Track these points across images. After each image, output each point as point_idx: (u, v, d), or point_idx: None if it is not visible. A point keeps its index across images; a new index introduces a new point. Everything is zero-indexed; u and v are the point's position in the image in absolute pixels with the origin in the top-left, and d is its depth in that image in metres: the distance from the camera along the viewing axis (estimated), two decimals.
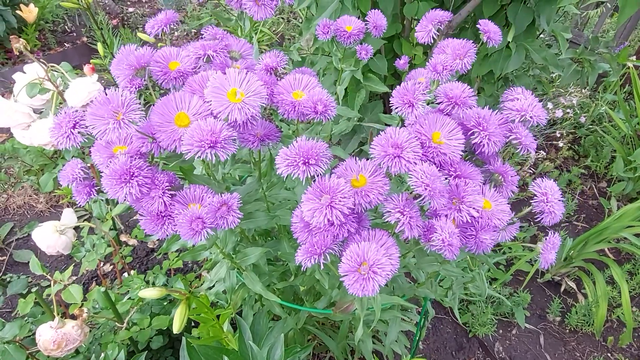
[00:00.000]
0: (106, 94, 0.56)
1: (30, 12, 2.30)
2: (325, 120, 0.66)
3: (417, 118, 0.64)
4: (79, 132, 0.61)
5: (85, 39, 2.53)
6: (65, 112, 0.62)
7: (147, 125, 0.61)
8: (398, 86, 0.64)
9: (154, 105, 0.59)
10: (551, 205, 0.61)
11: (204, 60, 0.68)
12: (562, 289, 1.71)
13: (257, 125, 0.73)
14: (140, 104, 0.55)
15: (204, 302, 0.91)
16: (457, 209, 0.59)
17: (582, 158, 2.20)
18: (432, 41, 0.85)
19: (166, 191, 0.61)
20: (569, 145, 2.20)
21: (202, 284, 1.12)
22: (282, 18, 2.58)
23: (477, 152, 0.67)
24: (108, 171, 0.59)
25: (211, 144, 0.53)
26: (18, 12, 2.17)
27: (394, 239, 0.61)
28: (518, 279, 1.71)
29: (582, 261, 1.67)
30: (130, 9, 2.80)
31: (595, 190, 2.09)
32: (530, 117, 0.65)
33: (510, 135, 0.66)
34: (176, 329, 0.80)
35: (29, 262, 1.76)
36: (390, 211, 0.58)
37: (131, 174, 0.59)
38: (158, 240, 1.75)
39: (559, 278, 1.72)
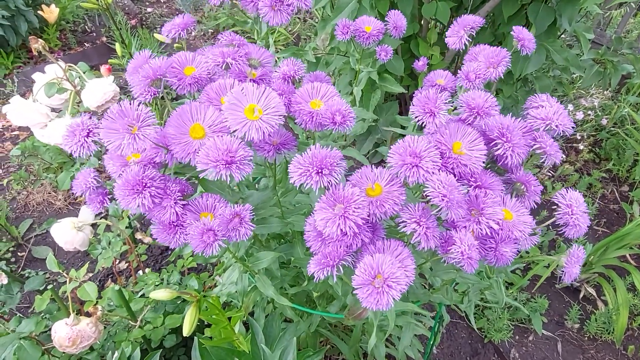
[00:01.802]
0: (121, 107, 0.54)
1: (51, 13, 2.32)
2: (343, 131, 0.64)
3: (439, 127, 0.61)
4: (92, 141, 0.60)
5: (104, 39, 2.55)
6: (80, 120, 0.61)
7: (161, 135, 0.60)
8: (419, 93, 0.62)
9: (169, 116, 0.58)
10: (576, 218, 0.58)
11: (223, 67, 0.66)
12: (581, 295, 1.66)
13: (274, 133, 0.71)
14: (154, 116, 0.53)
15: (215, 304, 0.89)
16: (476, 220, 0.57)
17: (603, 161, 2.14)
18: (464, 48, 0.81)
19: (178, 201, 0.60)
20: (590, 148, 2.14)
21: (215, 286, 1.11)
22: (298, 18, 2.56)
23: (499, 163, 0.64)
24: (120, 181, 0.58)
25: (227, 164, 0.51)
26: (40, 12, 2.20)
27: (410, 249, 0.58)
28: (535, 283, 1.67)
29: (603, 267, 1.62)
30: (149, 9, 2.81)
31: (616, 194, 2.03)
32: (556, 126, 0.62)
33: (535, 145, 0.63)
34: (186, 331, 0.79)
35: (45, 258, 1.78)
36: (406, 221, 0.56)
37: (144, 184, 0.58)
38: None
39: (578, 284, 1.67)
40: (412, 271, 0.56)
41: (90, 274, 1.67)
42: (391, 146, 0.57)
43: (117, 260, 1.68)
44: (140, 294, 1.19)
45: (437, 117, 0.58)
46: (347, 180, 0.57)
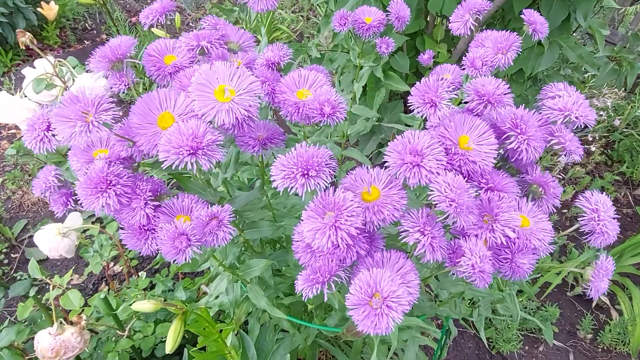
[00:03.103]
0: (76, 92, 0.47)
1: (50, 10, 2.27)
2: (333, 124, 0.56)
3: (441, 120, 0.53)
4: (53, 135, 0.53)
5: (105, 36, 2.49)
6: (40, 112, 0.54)
7: (128, 127, 0.53)
8: (418, 82, 0.54)
9: (133, 104, 0.50)
10: (603, 225, 0.50)
11: (198, 52, 0.59)
12: (594, 303, 1.56)
13: (259, 126, 0.63)
14: (113, 102, 0.46)
15: (204, 316, 0.82)
16: (489, 228, 0.49)
17: (615, 164, 2.04)
18: (469, 33, 0.74)
19: (149, 202, 0.53)
20: (602, 149, 2.04)
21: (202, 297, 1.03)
22: (302, 16, 2.49)
23: (512, 160, 0.56)
24: (82, 179, 0.51)
25: (191, 151, 0.44)
26: (39, 9, 2.14)
27: (413, 261, 0.50)
28: (545, 291, 1.58)
29: (617, 275, 1.52)
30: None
31: (630, 198, 1.93)
32: (576, 117, 0.54)
33: (552, 140, 0.54)
34: (169, 348, 0.72)
35: (40, 260, 1.71)
36: (408, 230, 0.48)
37: (108, 182, 0.50)
38: None
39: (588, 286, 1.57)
40: (416, 287, 0.48)
41: (84, 278, 1.61)
42: (389, 143, 0.49)
43: (112, 264, 1.61)
44: (124, 305, 1.11)
45: (439, 107, 0.50)
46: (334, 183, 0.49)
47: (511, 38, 0.67)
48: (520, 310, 0.79)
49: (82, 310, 1.07)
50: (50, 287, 1.02)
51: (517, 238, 0.49)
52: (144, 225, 0.53)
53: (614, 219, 0.51)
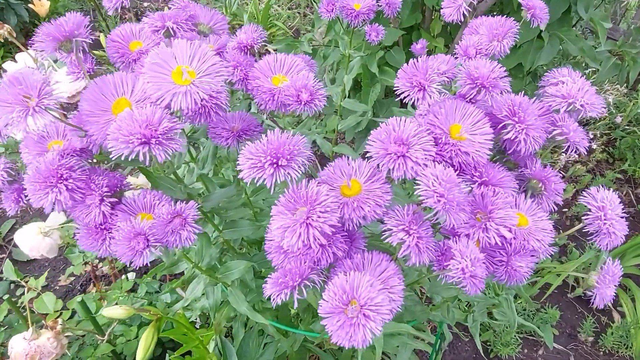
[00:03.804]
0: (18, 74, 0.41)
1: (42, 6, 2.21)
2: (311, 112, 0.51)
3: (431, 106, 0.48)
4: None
5: (98, 33, 2.44)
6: None
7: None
8: (405, 64, 0.48)
9: (84, 89, 0.45)
10: (610, 224, 0.44)
11: (164, 34, 0.53)
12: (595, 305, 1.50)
13: (234, 117, 0.58)
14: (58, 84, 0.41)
15: (182, 321, 0.76)
16: (482, 227, 0.43)
17: (617, 161, 1.98)
18: (462, 18, 0.68)
19: (105, 198, 0.47)
20: (603, 147, 1.98)
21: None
22: (298, 12, 2.43)
23: (509, 152, 0.50)
24: (31, 172, 0.45)
25: (143, 140, 0.38)
26: (30, 5, 2.09)
27: (398, 264, 0.45)
28: (545, 292, 1.52)
29: None
30: (145, 4, 2.71)
31: (632, 196, 1.87)
32: (581, 105, 0.48)
33: (554, 130, 0.49)
34: (139, 358, 0.66)
35: (28, 260, 1.66)
36: (391, 229, 0.42)
37: (59, 176, 0.45)
38: None
39: (592, 294, 1.51)
40: (400, 293, 0.42)
41: (72, 279, 1.55)
42: (372, 131, 0.43)
43: (100, 264, 1.55)
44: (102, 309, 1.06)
45: (429, 92, 0.44)
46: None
47: (507, 23, 0.61)
48: (519, 311, 0.73)
49: (60, 313, 1.02)
50: (26, 289, 0.96)
51: (514, 238, 0.43)
52: (100, 224, 0.48)
53: (621, 217, 0.45)
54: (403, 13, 1.49)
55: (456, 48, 0.63)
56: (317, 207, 0.38)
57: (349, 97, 1.81)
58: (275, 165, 0.39)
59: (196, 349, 0.84)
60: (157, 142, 0.39)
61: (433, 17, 1.56)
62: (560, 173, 1.88)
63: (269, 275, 0.42)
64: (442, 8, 0.69)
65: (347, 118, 1.05)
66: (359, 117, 1.14)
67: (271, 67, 0.53)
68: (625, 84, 1.92)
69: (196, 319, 1.08)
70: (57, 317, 1.02)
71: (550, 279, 1.41)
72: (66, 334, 1.00)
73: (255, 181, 0.39)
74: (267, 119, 0.70)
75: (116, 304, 1.09)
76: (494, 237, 0.42)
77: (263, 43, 0.59)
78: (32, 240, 1.06)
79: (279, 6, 2.43)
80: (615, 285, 0.46)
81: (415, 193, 0.40)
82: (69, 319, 1.09)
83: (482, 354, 1.35)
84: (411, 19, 1.52)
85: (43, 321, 0.86)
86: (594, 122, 1.99)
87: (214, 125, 0.56)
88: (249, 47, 0.56)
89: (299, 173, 0.39)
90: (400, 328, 0.70)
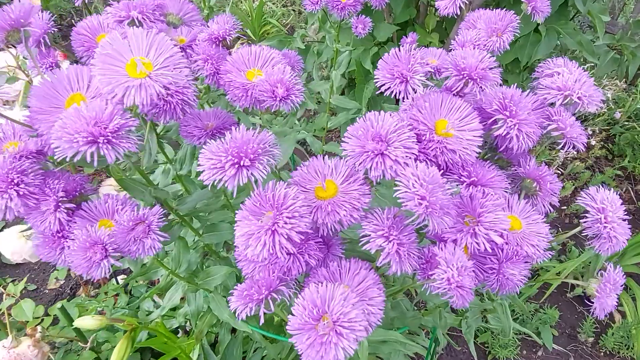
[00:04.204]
0: None
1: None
2: (288, 109, 0.47)
3: (415, 100, 0.44)
4: None
5: None
6: None
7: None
8: (386, 54, 0.44)
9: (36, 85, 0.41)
10: (611, 228, 0.40)
11: (128, 25, 0.49)
12: None
13: (208, 114, 0.54)
14: None
15: (161, 330, 0.72)
16: (471, 231, 0.39)
17: (616, 158, 1.94)
18: (459, 12, 0.64)
19: (61, 203, 0.43)
20: (602, 143, 1.94)
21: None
22: (293, 10, 2.39)
23: (500, 149, 0.46)
24: None
25: (90, 139, 0.34)
26: None
27: (378, 273, 0.41)
28: (544, 292, 1.47)
29: None
30: None
31: (632, 193, 1.82)
32: (579, 98, 0.44)
33: (549, 125, 0.44)
34: None
35: (16, 264, 1.62)
36: (369, 235, 0.38)
37: (10, 180, 0.41)
38: None
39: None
40: (380, 305, 0.38)
41: (62, 282, 1.51)
42: (348, 127, 0.39)
43: None
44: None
45: (411, 83, 0.40)
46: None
47: (507, 17, 0.57)
48: (517, 312, 0.69)
49: (42, 320, 0.98)
50: (4, 295, 0.93)
51: (506, 244, 0.39)
52: (57, 232, 0.44)
53: (623, 220, 0.41)
54: (396, 8, 1.45)
55: (452, 44, 0.59)
56: (284, 211, 0.34)
57: (343, 94, 1.77)
58: (237, 166, 0.34)
59: (179, 358, 0.80)
60: (106, 141, 0.35)
61: (428, 12, 1.52)
62: (558, 170, 1.84)
63: (235, 287, 0.38)
64: (436, 1, 0.65)
65: (338, 115, 1.01)
66: (351, 114, 1.10)
67: (245, 60, 0.49)
68: (624, 79, 1.88)
69: (185, 324, 1.04)
70: (38, 324, 0.98)
71: (549, 277, 1.37)
72: (54, 340, 0.96)
73: (216, 184, 0.35)
74: (260, 118, 0.66)
75: (101, 311, 1.05)
76: (483, 243, 0.38)
77: (240, 36, 0.55)
78: (14, 245, 1.03)
79: (273, 4, 2.39)
80: (616, 294, 0.42)
81: (394, 195, 0.36)
82: (52, 324, 1.05)
83: (480, 355, 1.31)
84: (405, 14, 1.48)
85: (9, 333, 0.82)
86: (593, 118, 1.94)
87: (186, 123, 0.52)
88: (221, 39, 0.52)
89: (264, 174, 0.35)
90: (389, 336, 0.66)
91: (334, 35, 0.85)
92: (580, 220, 0.42)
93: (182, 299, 0.71)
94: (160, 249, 0.43)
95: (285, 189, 0.35)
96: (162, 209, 0.44)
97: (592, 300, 0.43)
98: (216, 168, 0.35)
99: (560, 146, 0.43)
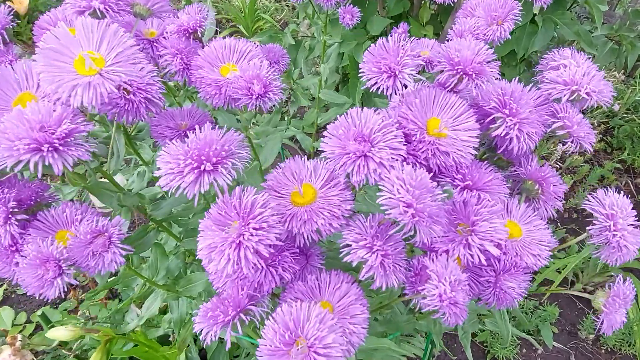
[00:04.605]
0: None
1: (20, 4, 2.13)
2: (265, 107, 0.42)
3: (405, 96, 0.39)
4: None
5: None
6: None
7: None
8: (373, 45, 0.39)
9: None
10: (622, 236, 0.36)
11: (90, 16, 0.44)
12: None
13: (183, 113, 0.49)
14: None
15: (141, 340, 0.68)
16: (463, 242, 0.34)
17: (615, 151, 1.89)
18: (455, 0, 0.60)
19: (12, 215, 0.38)
20: (601, 136, 1.89)
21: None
22: (287, 5, 2.33)
23: (500, 150, 0.42)
24: None
25: (34, 146, 0.29)
26: (8, 2, 1.99)
27: (361, 288, 0.36)
28: (543, 286, 1.43)
29: (620, 269, 1.38)
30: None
31: (631, 187, 1.78)
32: (587, 93, 0.39)
33: (555, 122, 0.40)
34: None
35: None
36: (351, 245, 0.34)
37: None
38: None
39: (593, 289, 1.43)
40: (363, 324, 0.34)
41: None
42: (328, 126, 0.35)
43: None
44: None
45: (400, 78, 0.35)
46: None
47: (508, 4, 0.53)
48: (519, 333, 0.65)
49: (24, 327, 0.94)
50: None
51: (503, 254, 0.35)
52: (10, 246, 0.39)
53: (635, 228, 0.36)
54: (390, 0, 1.40)
55: (449, 33, 0.54)
56: (251, 222, 0.30)
57: (337, 90, 1.72)
58: (197, 171, 0.30)
59: None
60: (52, 148, 0.30)
61: (422, 5, 1.47)
62: (557, 164, 1.80)
63: (200, 306, 0.34)
64: None
65: (329, 111, 0.96)
66: (344, 110, 1.06)
67: (219, 54, 0.45)
68: (623, 70, 1.83)
69: (173, 331, 1.00)
70: (21, 331, 0.94)
71: (550, 275, 1.33)
72: (43, 347, 0.92)
73: (174, 191, 0.30)
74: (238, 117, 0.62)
75: (92, 319, 1.01)
76: (477, 255, 0.33)
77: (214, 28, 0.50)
78: None
79: None
80: (625, 309, 0.38)
81: (377, 202, 0.31)
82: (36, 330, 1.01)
83: (479, 355, 1.28)
84: (399, 6, 1.42)
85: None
86: (591, 111, 1.89)
87: (157, 122, 0.48)
88: (191, 31, 0.47)
89: (229, 179, 0.31)
90: (381, 344, 0.62)
91: (322, 27, 0.81)
92: (587, 229, 0.38)
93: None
94: (123, 263, 0.38)
95: (253, 195, 0.31)
96: (131, 218, 0.39)
97: (598, 315, 0.39)
98: (174, 173, 0.30)
99: (565, 145, 0.39)
